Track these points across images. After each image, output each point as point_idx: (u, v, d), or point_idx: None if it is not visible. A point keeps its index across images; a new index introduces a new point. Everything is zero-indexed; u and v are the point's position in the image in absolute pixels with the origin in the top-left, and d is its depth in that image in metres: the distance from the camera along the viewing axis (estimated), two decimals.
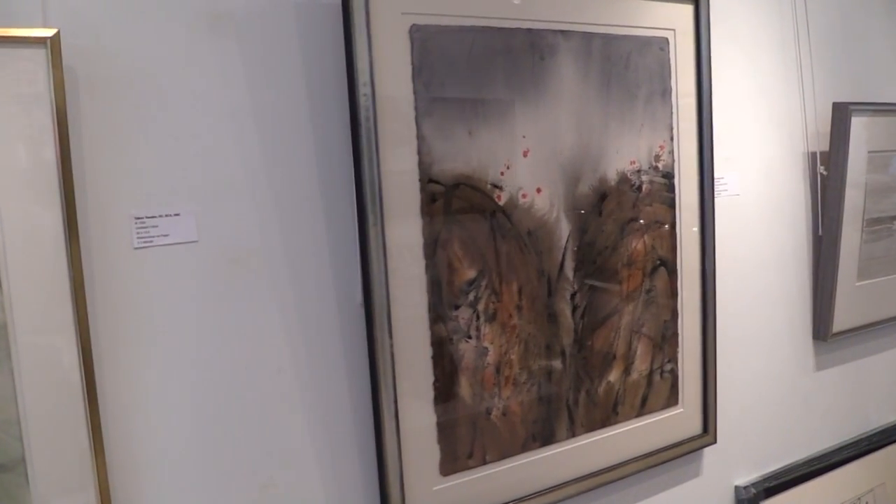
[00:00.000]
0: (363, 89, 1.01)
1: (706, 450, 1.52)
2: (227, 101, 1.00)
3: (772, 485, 1.63)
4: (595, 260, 1.28)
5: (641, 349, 1.36)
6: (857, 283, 1.76)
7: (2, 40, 0.83)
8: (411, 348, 1.09)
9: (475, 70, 1.12)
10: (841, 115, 1.65)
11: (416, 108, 1.07)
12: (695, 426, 1.46)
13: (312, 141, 1.06)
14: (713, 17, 1.42)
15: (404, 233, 1.07)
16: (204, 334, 0.99)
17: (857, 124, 1.65)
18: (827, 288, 1.71)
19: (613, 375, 1.32)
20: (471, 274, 1.14)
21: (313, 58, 1.05)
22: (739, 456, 1.62)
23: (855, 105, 1.65)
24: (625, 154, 1.30)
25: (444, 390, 1.13)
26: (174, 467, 0.98)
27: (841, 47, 1.77)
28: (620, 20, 1.29)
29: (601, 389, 1.31)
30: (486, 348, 1.17)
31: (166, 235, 0.96)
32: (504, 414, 1.19)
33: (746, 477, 1.63)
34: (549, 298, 1.23)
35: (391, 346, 1.06)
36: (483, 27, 1.13)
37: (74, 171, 0.88)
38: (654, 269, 1.37)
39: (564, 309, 1.25)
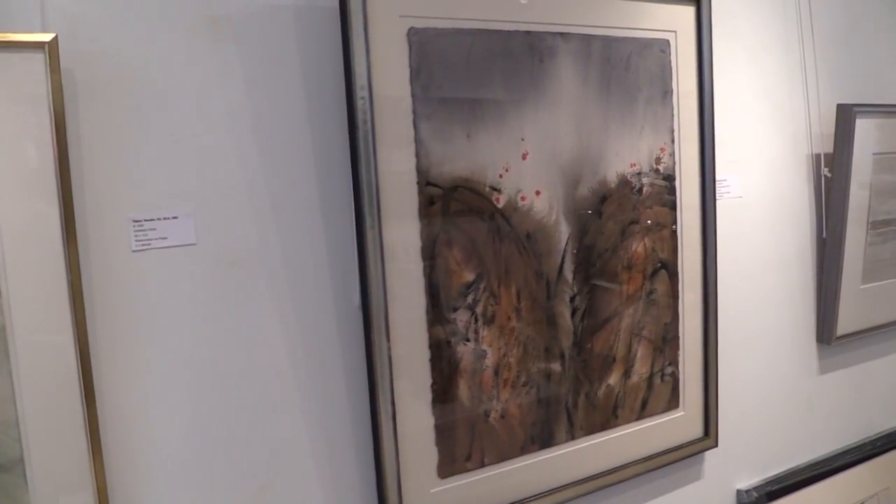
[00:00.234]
0: (360, 92, 1.01)
1: (707, 453, 1.51)
2: (225, 104, 1.00)
3: (774, 489, 1.62)
4: (595, 262, 1.28)
5: (642, 352, 1.35)
6: (862, 286, 1.75)
7: (0, 45, 0.83)
8: (409, 350, 1.09)
9: (474, 72, 1.12)
10: (845, 116, 1.64)
11: (413, 111, 1.07)
12: (696, 429, 1.46)
13: (310, 144, 1.06)
14: (716, 18, 1.42)
15: (402, 235, 1.07)
16: (202, 336, 1.00)
17: (862, 126, 1.64)
18: (830, 291, 1.70)
19: (613, 378, 1.32)
20: (469, 276, 1.14)
21: (311, 60, 1.05)
22: (741, 459, 1.61)
23: (859, 106, 1.64)
24: (625, 156, 1.30)
25: (442, 393, 1.13)
26: (172, 468, 0.98)
27: (845, 48, 1.76)
28: (621, 22, 1.28)
29: (601, 392, 1.31)
30: (485, 351, 1.17)
31: (164, 238, 0.96)
32: (502, 416, 1.19)
33: (748, 481, 1.62)
34: (548, 301, 1.22)
35: (388, 348, 1.06)
36: (482, 30, 1.13)
37: (73, 174, 0.89)
38: (655, 272, 1.36)
39: (564, 311, 1.25)
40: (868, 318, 1.78)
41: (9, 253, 0.85)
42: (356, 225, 1.04)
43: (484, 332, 1.16)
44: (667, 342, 1.39)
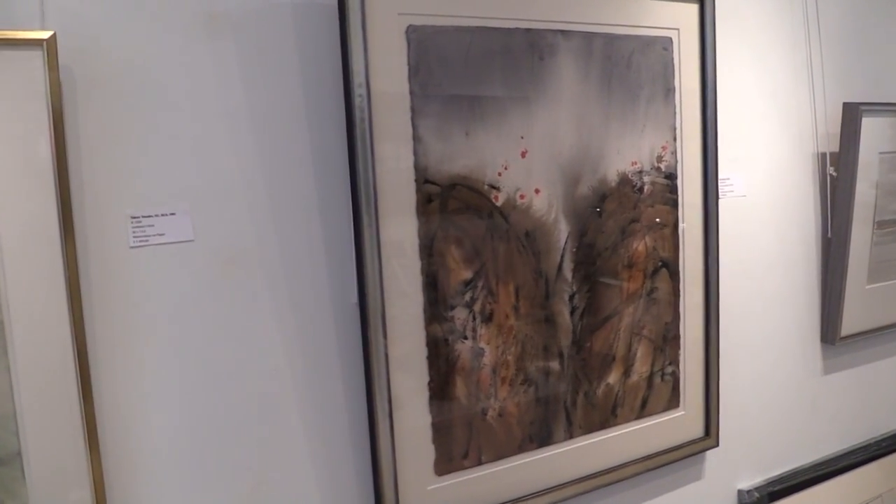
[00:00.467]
0: (358, 89, 1.01)
1: (708, 453, 1.51)
2: (223, 101, 1.00)
3: (776, 489, 1.61)
4: (594, 261, 1.27)
5: (642, 351, 1.35)
6: (868, 286, 1.74)
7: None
8: (406, 348, 1.09)
9: (473, 70, 1.12)
10: (851, 115, 1.62)
11: (412, 109, 1.07)
12: (696, 429, 1.45)
13: (308, 140, 1.06)
14: (720, 15, 1.41)
15: (400, 233, 1.07)
16: (199, 333, 1.00)
17: (868, 125, 1.63)
18: (835, 291, 1.69)
19: (612, 377, 1.32)
20: (467, 274, 1.14)
21: (310, 58, 1.05)
22: (743, 460, 1.60)
23: (866, 105, 1.62)
24: (626, 155, 1.29)
25: (440, 390, 1.13)
26: (169, 463, 0.99)
27: (852, 46, 1.74)
28: (623, 20, 1.28)
29: (600, 391, 1.30)
30: (483, 349, 1.16)
31: (162, 235, 0.97)
32: (500, 415, 1.19)
33: (750, 481, 1.62)
34: (546, 300, 1.22)
35: (385, 345, 1.06)
36: (481, 27, 1.12)
37: (71, 171, 0.90)
38: (656, 271, 1.36)
39: (563, 310, 1.24)
40: (873, 318, 1.77)
41: (7, 249, 0.86)
42: (353, 222, 1.05)
43: (482, 331, 1.16)
44: (667, 341, 1.38)
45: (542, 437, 1.24)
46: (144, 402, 0.97)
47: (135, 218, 0.95)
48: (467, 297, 1.14)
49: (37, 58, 0.86)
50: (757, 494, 1.58)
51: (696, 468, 1.52)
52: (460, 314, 1.14)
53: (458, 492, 1.16)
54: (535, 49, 1.18)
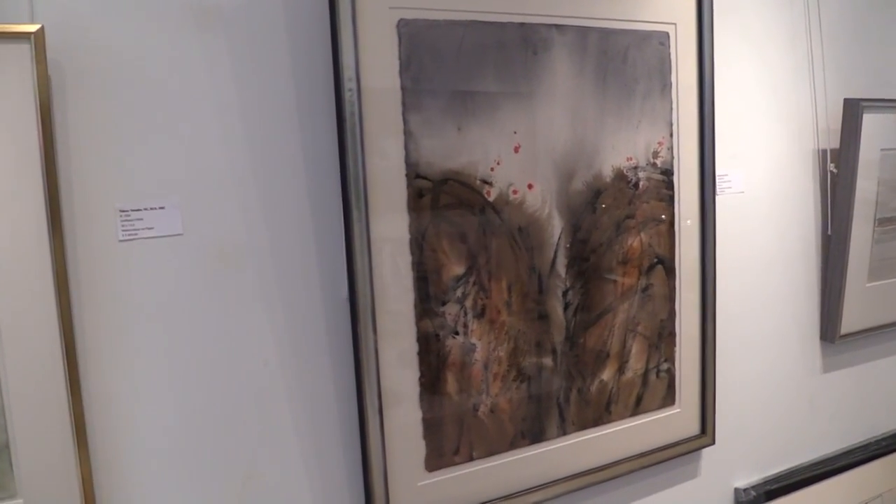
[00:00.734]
0: (348, 84, 1.01)
1: (705, 451, 1.50)
2: (213, 95, 1.00)
3: (773, 488, 1.60)
4: (588, 257, 1.26)
5: (637, 348, 1.34)
6: (868, 284, 1.72)
7: None
8: (396, 344, 1.09)
9: (465, 65, 1.11)
10: (852, 111, 1.61)
11: (403, 103, 1.06)
12: (692, 427, 1.44)
13: (299, 135, 1.06)
14: (719, 10, 1.39)
15: (390, 228, 1.07)
16: (188, 328, 1.00)
17: (869, 121, 1.61)
18: (835, 288, 1.67)
19: (607, 374, 1.31)
20: (458, 270, 1.13)
21: (300, 52, 1.05)
22: (740, 458, 1.59)
23: (867, 101, 1.61)
24: (621, 150, 1.28)
25: (430, 386, 1.12)
26: (157, 457, 0.99)
27: (853, 42, 1.72)
28: (619, 14, 1.27)
29: (594, 388, 1.30)
30: (474, 345, 1.16)
31: (151, 228, 0.97)
32: (492, 411, 1.19)
33: (747, 479, 1.61)
34: (539, 295, 1.22)
35: (375, 341, 1.06)
36: (474, 21, 1.12)
37: (59, 164, 0.90)
38: (651, 268, 1.35)
39: (556, 306, 1.24)
40: (873, 316, 1.75)
41: None
42: (343, 217, 1.04)
43: (473, 326, 1.16)
44: (663, 338, 1.37)
45: (534, 434, 1.24)
46: (132, 397, 0.97)
47: (123, 211, 0.95)
48: (459, 292, 1.14)
49: (24, 51, 0.86)
50: (753, 493, 1.57)
51: (692, 466, 1.51)
52: (452, 309, 1.13)
53: (448, 488, 1.16)
54: (528, 43, 1.17)
